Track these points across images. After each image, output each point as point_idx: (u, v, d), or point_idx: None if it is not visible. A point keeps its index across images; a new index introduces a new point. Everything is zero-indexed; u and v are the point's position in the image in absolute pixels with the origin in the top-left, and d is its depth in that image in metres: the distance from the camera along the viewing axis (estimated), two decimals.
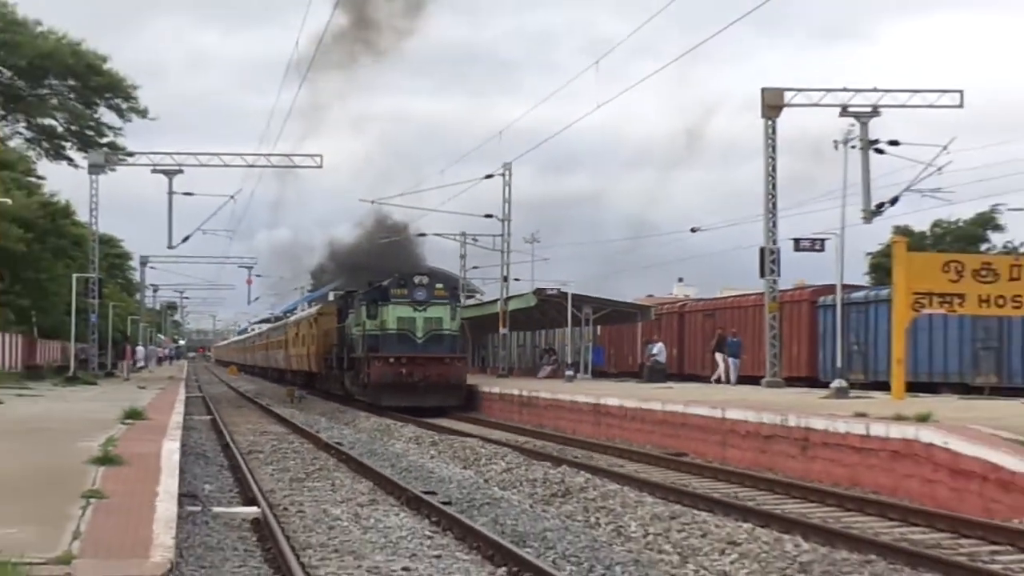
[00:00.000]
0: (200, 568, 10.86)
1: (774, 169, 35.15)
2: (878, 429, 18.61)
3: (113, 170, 47.18)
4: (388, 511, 15.96)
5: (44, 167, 56.41)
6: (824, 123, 35.10)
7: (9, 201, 33.84)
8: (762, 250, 35.29)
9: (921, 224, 52.96)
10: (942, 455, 16.65)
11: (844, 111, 34.39)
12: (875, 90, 35.09)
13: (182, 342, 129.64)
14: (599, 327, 53.19)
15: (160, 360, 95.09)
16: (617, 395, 31.33)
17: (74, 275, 49.69)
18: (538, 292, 51.51)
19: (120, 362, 59.59)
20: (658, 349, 47.39)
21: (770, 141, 35.00)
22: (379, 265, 49.29)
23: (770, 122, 34.73)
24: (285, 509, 15.70)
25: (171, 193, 44.97)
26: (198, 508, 14.78)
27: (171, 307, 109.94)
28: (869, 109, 34.44)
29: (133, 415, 22.15)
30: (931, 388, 30.87)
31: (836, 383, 29.43)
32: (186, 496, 14.77)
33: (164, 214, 46.07)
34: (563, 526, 14.47)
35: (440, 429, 31.62)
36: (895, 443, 17.95)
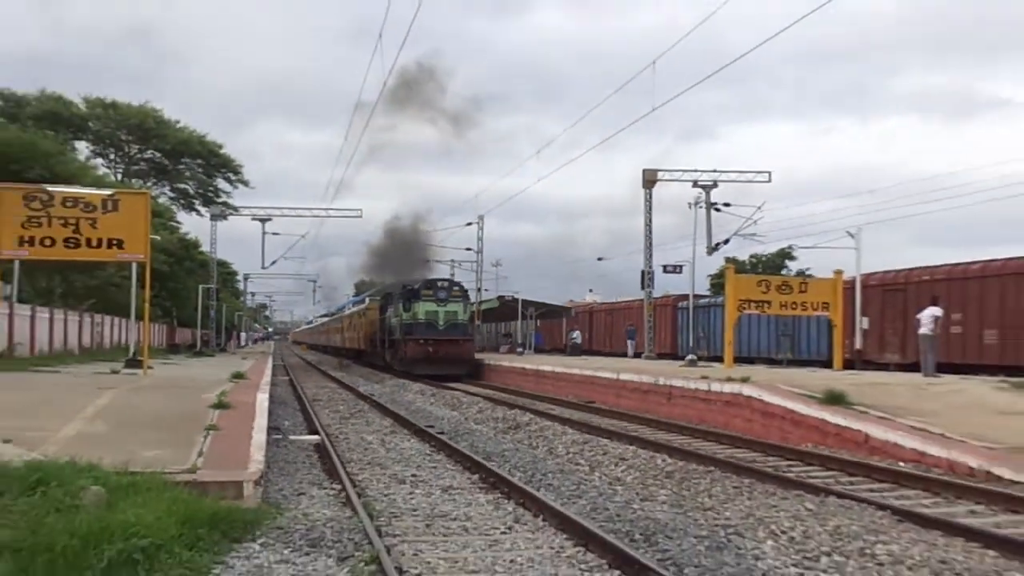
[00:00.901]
0: (281, 475, 11.38)
1: (650, 220, 38.31)
2: (716, 386, 19.99)
3: (225, 218, 50.47)
4: (403, 438, 16.55)
5: (181, 216, 59.39)
6: (683, 192, 37.74)
7: (159, 237, 35.35)
8: (643, 272, 38.36)
9: (743, 256, 58.62)
10: (756, 403, 17.93)
11: (695, 184, 37.37)
12: (715, 171, 37.86)
13: (270, 329, 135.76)
14: (539, 320, 54.64)
15: (255, 341, 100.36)
16: (550, 364, 32.85)
17: (200, 286, 52.72)
18: (500, 298, 54.39)
19: (229, 342, 60.80)
20: (576, 335, 50.56)
21: (648, 203, 38.31)
22: (402, 261, 52.08)
23: (648, 191, 37.71)
24: (336, 436, 16.21)
25: (263, 233, 48.28)
26: (280, 436, 15.32)
27: (263, 306, 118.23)
28: (711, 183, 37.20)
29: (238, 376, 22.49)
30: (750, 361, 31.88)
31: (689, 357, 31.79)
32: (272, 428, 14.79)
33: (259, 246, 49.03)
34: (515, 448, 15.22)
35: (436, 385, 32.69)
36: (727, 395, 19.32)
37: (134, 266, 25.81)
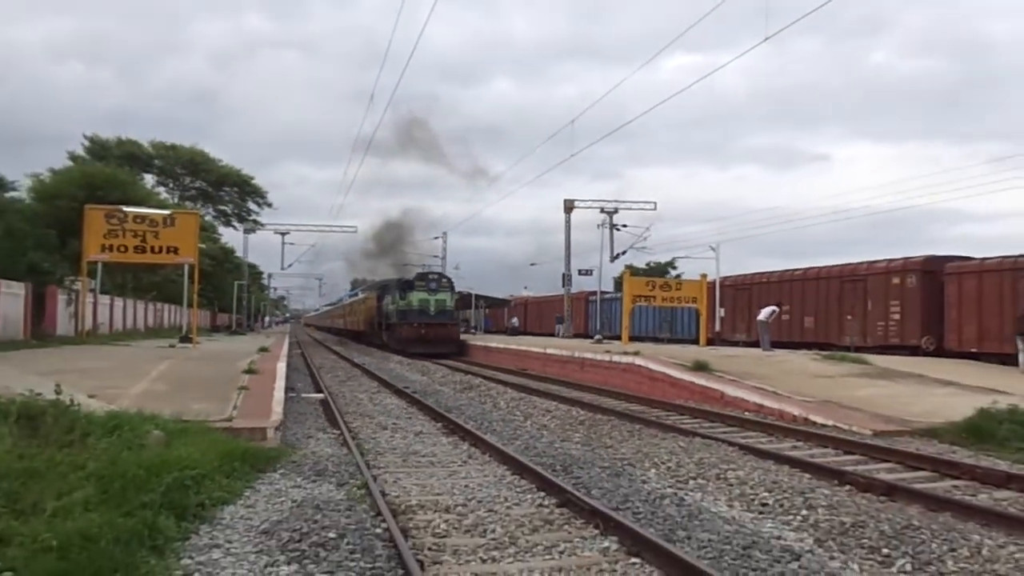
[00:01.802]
0: (295, 423, 11.02)
1: (569, 236, 37.96)
2: (616, 358, 19.72)
3: (255, 232, 50.62)
4: (386, 396, 16.18)
5: (221, 230, 58.95)
6: (594, 216, 37.98)
7: (205, 246, 35.51)
8: (564, 274, 38.46)
9: (639, 263, 60.29)
10: (645, 370, 17.83)
11: (602, 210, 37.79)
12: (617, 200, 38.24)
13: (288, 315, 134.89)
14: (487, 309, 52.69)
15: (276, 324, 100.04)
16: (496, 342, 32.35)
17: (235, 282, 52.78)
18: (459, 293, 56.91)
19: (256, 324, 60.51)
20: (515, 320, 50.11)
21: (567, 224, 37.75)
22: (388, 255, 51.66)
23: (567, 215, 37.63)
24: (336, 395, 15.69)
25: (283, 243, 48.26)
26: (294, 394, 14.80)
27: (282, 297, 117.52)
28: (613, 210, 36.88)
29: (263, 350, 22.43)
30: (640, 340, 30.41)
31: (597, 336, 32.02)
32: (289, 389, 14.68)
33: (279, 253, 49.13)
34: (469, 403, 14.89)
35: (412, 357, 31.05)
36: (624, 364, 19.07)
37: (186, 267, 25.51)
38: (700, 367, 16.06)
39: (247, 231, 51.01)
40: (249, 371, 14.27)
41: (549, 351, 24.89)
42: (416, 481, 7.60)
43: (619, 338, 28.55)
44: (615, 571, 4.96)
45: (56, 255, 28.19)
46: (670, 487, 7.40)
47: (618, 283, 41.15)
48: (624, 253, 38.60)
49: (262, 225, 52.71)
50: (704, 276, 28.67)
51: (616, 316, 35.96)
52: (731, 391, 14.16)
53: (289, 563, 4.88)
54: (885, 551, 5.34)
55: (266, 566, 4.84)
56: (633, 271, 38.04)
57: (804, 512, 6.36)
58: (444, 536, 5.69)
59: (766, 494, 6.99)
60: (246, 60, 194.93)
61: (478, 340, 36.28)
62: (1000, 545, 5.43)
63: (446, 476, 7.86)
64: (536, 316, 52.43)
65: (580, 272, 39.89)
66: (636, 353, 19.39)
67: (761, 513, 6.47)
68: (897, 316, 22.77)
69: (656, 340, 32.77)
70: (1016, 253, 19.94)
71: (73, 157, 45.81)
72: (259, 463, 7.55)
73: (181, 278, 31.15)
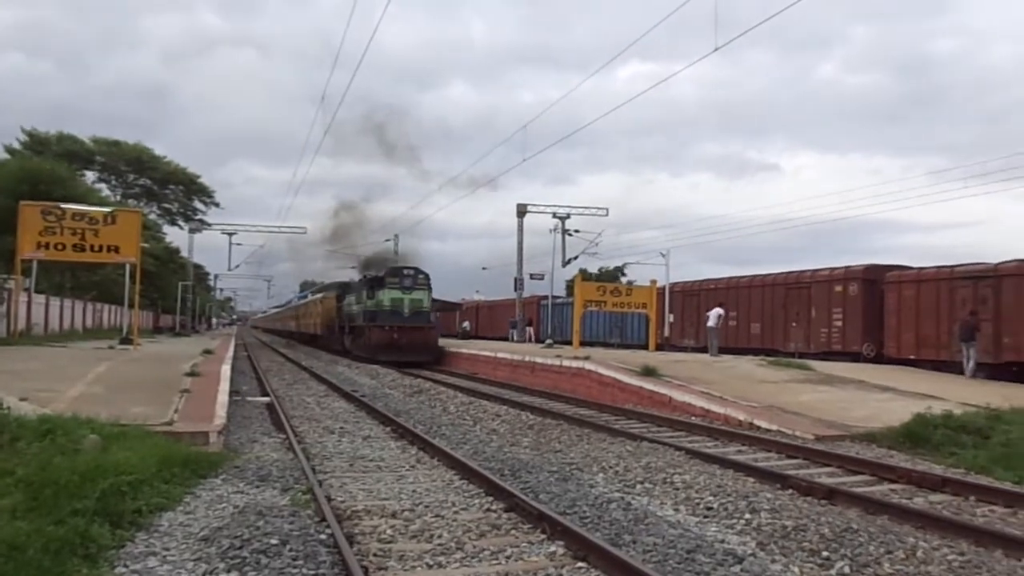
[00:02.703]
0: (239, 427, 10.84)
1: (522, 240, 37.80)
2: (566, 362, 19.71)
3: (200, 232, 49.05)
4: (334, 399, 15.98)
5: (166, 229, 57.42)
6: (547, 221, 37.61)
7: (148, 245, 33.84)
8: (516, 279, 38.36)
9: (592, 268, 60.84)
10: (594, 375, 17.88)
11: (554, 215, 37.45)
12: (568, 206, 37.86)
13: (234, 317, 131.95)
14: (438, 313, 56.21)
15: (223, 326, 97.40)
16: (447, 346, 31.29)
17: (180, 283, 51.20)
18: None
19: (201, 326, 58.51)
20: (466, 324, 49.47)
21: (520, 228, 37.89)
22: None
23: (520, 219, 37.53)
24: (282, 398, 15.48)
25: (230, 244, 47.20)
26: (239, 398, 14.52)
27: (229, 298, 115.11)
28: (566, 215, 37.14)
29: (207, 352, 21.77)
30: (591, 344, 30.97)
31: (547, 341, 31.10)
32: (234, 392, 14.15)
33: (227, 253, 48.13)
34: (418, 407, 14.72)
35: (360, 361, 29.53)
36: (574, 369, 19.08)
37: (127, 267, 24.83)
38: (649, 372, 16.21)
39: (193, 231, 49.80)
40: (192, 374, 14.00)
41: (500, 355, 24.80)
42: (363, 486, 7.51)
43: (570, 343, 28.65)
44: (561, 575, 4.95)
45: None
46: (617, 491, 7.43)
47: (570, 288, 41.33)
48: (576, 258, 38.83)
49: (208, 225, 51.56)
50: (654, 282, 29.03)
51: (567, 321, 36.12)
52: (679, 396, 14.32)
53: (229, 571, 4.78)
54: (825, 554, 5.45)
55: (204, 574, 4.73)
56: (586, 276, 38.26)
57: (747, 516, 6.45)
58: (390, 542, 5.63)
59: (711, 498, 7.08)
60: (199, 57, 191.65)
61: None
62: (934, 547, 5.60)
63: (393, 481, 7.78)
64: (488, 320, 52.36)
65: (532, 276, 39.94)
66: (586, 358, 19.39)
67: (706, 517, 6.55)
68: (839, 323, 23.36)
69: (607, 345, 33.01)
70: (953, 263, 20.64)
71: (10, 151, 44.22)
72: (200, 468, 7.41)
73: (122, 278, 30.23)
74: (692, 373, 16.39)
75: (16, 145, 47.16)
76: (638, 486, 7.73)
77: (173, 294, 52.96)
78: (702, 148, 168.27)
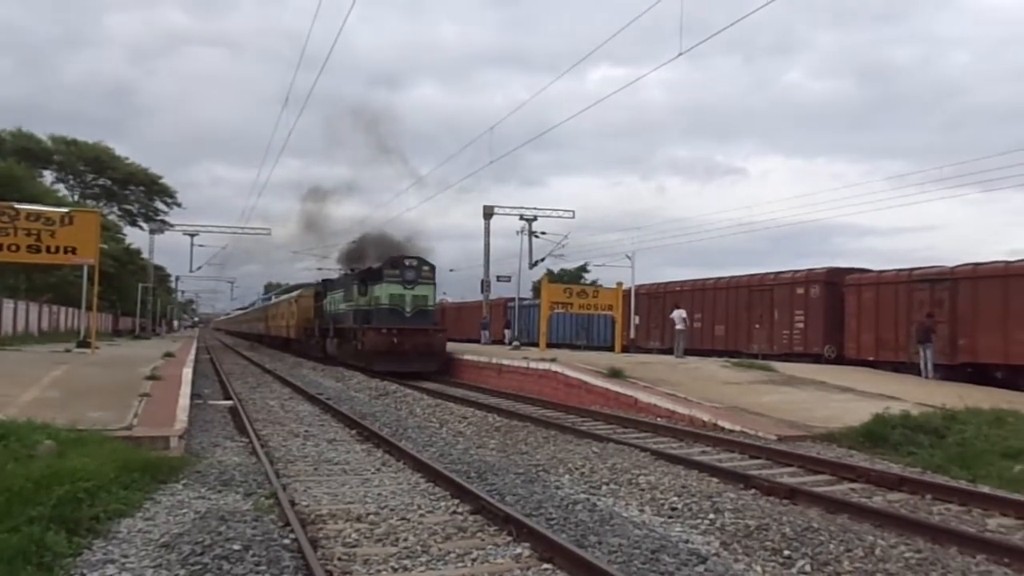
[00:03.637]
0: (201, 431, 10.77)
1: (489, 242, 36.22)
2: (533, 364, 19.62)
3: (162, 232, 48.12)
4: (299, 403, 15.76)
5: (127, 230, 56.46)
6: (514, 223, 37.24)
7: (107, 246, 33.35)
8: (482, 281, 36.89)
9: (557, 268, 61.22)
10: (561, 376, 17.87)
11: (521, 218, 37.02)
12: (536, 208, 37.42)
13: (196, 319, 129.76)
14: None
15: (185, 328, 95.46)
16: None
17: (140, 285, 50.20)
18: None
19: (161, 329, 57.32)
20: None
21: (487, 230, 36.67)
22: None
23: (487, 221, 36.70)
24: (246, 401, 15.30)
25: (192, 245, 46.40)
26: (201, 401, 14.45)
27: (191, 300, 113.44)
28: (532, 217, 36.48)
29: (168, 355, 21.08)
30: (558, 346, 30.54)
31: (515, 342, 31.33)
32: (195, 395, 14.14)
33: (188, 253, 47.36)
34: (384, 410, 14.56)
35: (325, 363, 29.04)
36: (541, 371, 19.02)
37: (85, 268, 24.31)
38: (615, 374, 16.28)
39: (154, 232, 48.91)
40: (152, 377, 13.74)
41: (466, 357, 24.76)
42: (327, 490, 7.44)
43: (537, 344, 28.67)
44: None
45: None
46: (583, 493, 7.46)
47: (537, 289, 41.37)
48: (543, 260, 38.86)
49: (170, 226, 50.71)
50: (620, 284, 29.20)
51: (534, 322, 36.13)
52: (644, 397, 14.42)
53: None
54: (786, 553, 5.53)
55: None
56: (553, 278, 38.28)
57: (711, 516, 6.53)
58: (355, 546, 5.59)
59: (675, 498, 7.15)
60: (166, 56, 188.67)
61: None
62: (892, 545, 5.71)
63: (359, 484, 7.72)
64: (454, 322, 51.75)
65: (499, 278, 39.85)
66: (553, 360, 19.48)
67: (670, 517, 6.61)
68: (801, 325, 23.72)
69: (573, 347, 33.00)
70: (911, 267, 21.10)
71: None
72: (161, 473, 7.33)
73: (80, 279, 29.62)
74: (658, 375, 16.50)
75: None
76: (604, 487, 7.77)
77: (133, 296, 52.07)
78: (671, 151, 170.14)
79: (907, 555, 5.48)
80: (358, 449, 10.01)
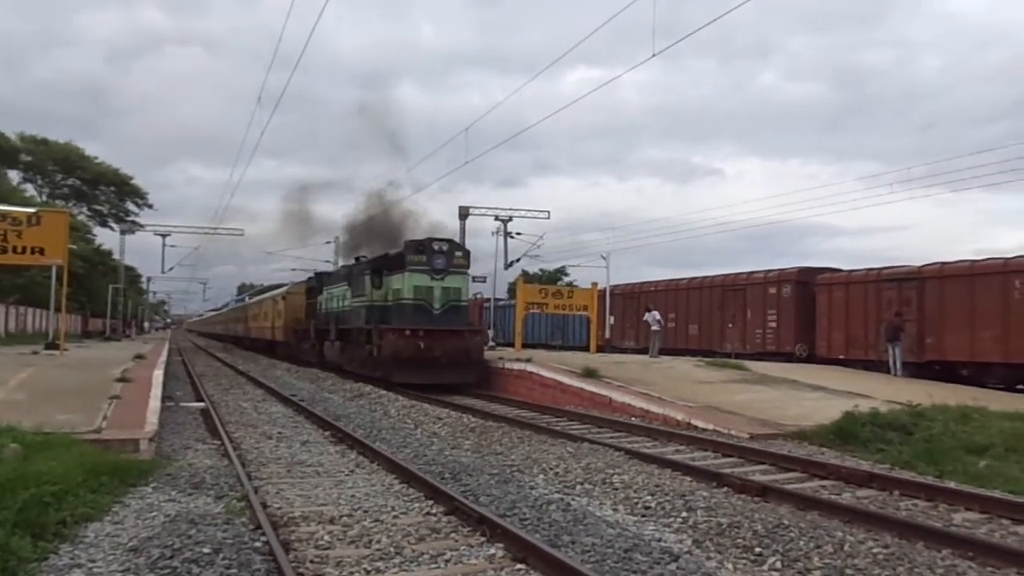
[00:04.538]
0: (172, 434, 10.62)
1: (464, 242, 38.93)
2: (508, 364, 19.56)
3: (133, 233, 47.16)
4: (272, 404, 15.61)
5: (96, 231, 55.75)
6: (490, 223, 38.75)
7: (76, 247, 33.43)
8: None
9: (533, 269, 60.95)
10: (536, 377, 17.86)
11: (497, 218, 36.61)
12: (512, 208, 36.89)
13: (168, 320, 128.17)
14: None
15: (156, 329, 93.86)
16: None
17: (110, 286, 49.02)
18: None
19: (131, 330, 56.28)
20: None
21: (462, 230, 35.36)
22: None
23: (463, 222, 36.39)
24: (218, 404, 15.06)
25: (164, 245, 45.25)
26: (172, 403, 14.23)
27: (163, 302, 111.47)
28: (508, 217, 36.30)
29: (139, 357, 20.67)
30: (533, 346, 30.75)
31: (490, 343, 30.09)
32: (166, 397, 13.95)
33: (159, 254, 46.13)
34: (358, 411, 14.45)
35: (298, 364, 28.63)
36: (516, 371, 18.97)
37: (54, 269, 23.91)
38: (590, 373, 16.36)
39: (124, 232, 48.06)
40: (122, 379, 13.55)
41: None
42: (300, 492, 7.38)
43: (512, 344, 28.64)
44: None
45: None
46: (557, 492, 7.46)
47: (512, 290, 41.35)
48: (518, 260, 38.80)
49: (141, 226, 49.93)
50: (595, 285, 29.31)
51: (509, 323, 36.08)
52: (619, 397, 14.49)
53: None
54: (758, 550, 5.58)
55: None
56: (529, 279, 38.27)
57: (684, 514, 6.57)
58: (327, 548, 5.55)
59: (649, 497, 7.18)
60: (143, 55, 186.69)
61: None
62: (860, 541, 5.78)
63: (332, 486, 7.66)
64: None
65: (475, 279, 39.74)
66: (528, 360, 19.47)
67: (644, 516, 6.63)
68: (774, 324, 23.97)
69: (548, 347, 33.12)
70: (880, 266, 21.40)
71: None
72: (130, 477, 7.22)
73: (48, 280, 29.09)
74: (632, 374, 16.57)
75: None
76: (578, 487, 7.78)
77: (103, 297, 51.27)
78: (649, 152, 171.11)
79: (875, 550, 5.55)
80: (332, 451, 9.93)
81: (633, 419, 13.02)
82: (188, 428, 11.67)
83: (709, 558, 5.44)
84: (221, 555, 5.07)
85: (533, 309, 27.84)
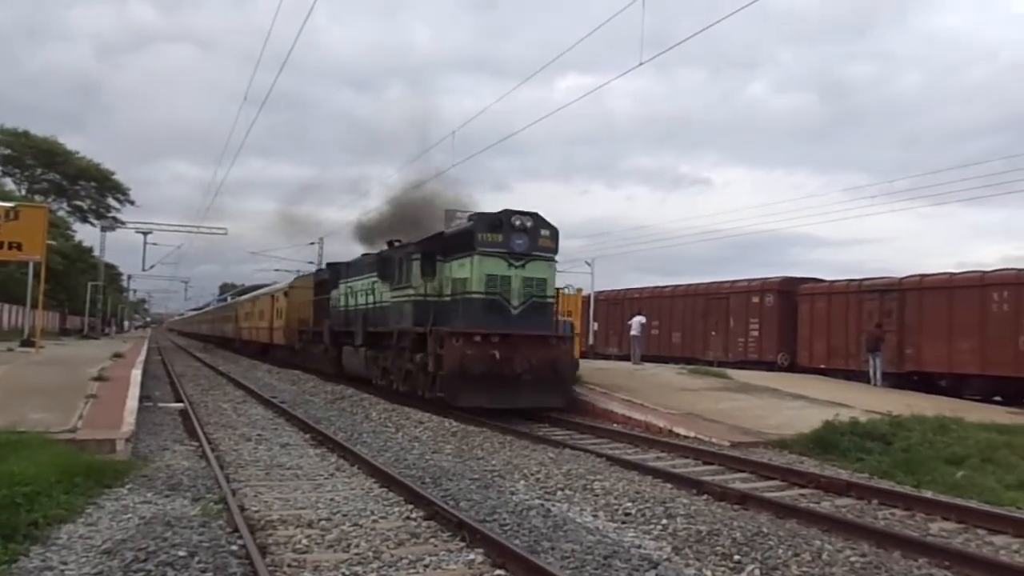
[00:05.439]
0: (149, 435, 10.43)
1: None
2: None
3: (113, 230, 46.95)
4: (253, 406, 15.36)
5: (76, 227, 55.21)
6: None
7: (55, 243, 32.70)
8: None
9: None
10: None
11: None
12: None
13: (148, 319, 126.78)
14: None
15: (136, 328, 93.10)
16: None
17: (89, 283, 48.90)
18: None
19: (110, 328, 55.62)
20: None
21: None
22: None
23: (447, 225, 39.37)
24: (197, 404, 14.84)
25: (145, 243, 45.17)
26: (150, 404, 13.90)
27: (143, 300, 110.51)
28: None
29: (117, 355, 20.59)
30: None
31: None
32: (144, 397, 13.68)
33: (140, 252, 45.97)
34: (339, 415, 14.25)
35: (281, 365, 27.70)
36: None
37: (31, 265, 23.65)
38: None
39: (105, 229, 47.64)
40: (99, 378, 13.43)
41: None
42: (279, 495, 7.31)
43: None
44: None
45: None
46: (538, 498, 7.46)
47: None
48: None
49: (122, 223, 49.48)
50: (580, 291, 29.27)
51: None
52: (601, 403, 14.51)
53: None
54: (737, 557, 5.61)
55: None
56: None
57: (664, 521, 6.58)
58: (305, 552, 5.51)
59: (629, 504, 7.19)
60: (133, 52, 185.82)
61: None
62: (838, 549, 5.83)
63: (311, 489, 7.62)
64: None
65: None
66: None
67: (624, 523, 6.65)
68: (756, 333, 24.12)
69: None
70: (862, 277, 21.61)
71: None
72: (105, 478, 7.15)
73: (26, 276, 28.78)
74: (615, 381, 16.58)
75: None
76: (558, 493, 7.78)
77: (82, 294, 50.68)
78: (637, 161, 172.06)
79: (852, 559, 5.60)
80: (311, 454, 9.86)
81: (615, 426, 13.05)
82: (166, 429, 11.57)
83: (688, 565, 5.46)
84: (197, 558, 5.03)
85: None
